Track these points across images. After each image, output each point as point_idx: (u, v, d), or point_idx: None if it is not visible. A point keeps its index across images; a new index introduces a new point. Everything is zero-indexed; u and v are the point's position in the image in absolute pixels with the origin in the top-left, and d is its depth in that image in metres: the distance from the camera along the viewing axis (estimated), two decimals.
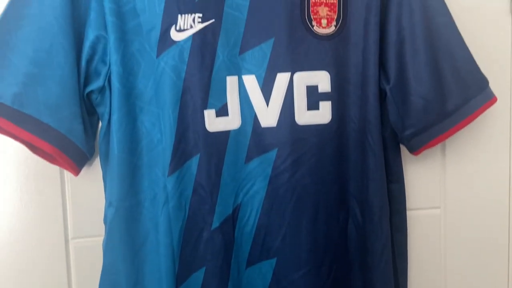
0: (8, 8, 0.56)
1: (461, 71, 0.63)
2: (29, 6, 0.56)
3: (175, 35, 0.58)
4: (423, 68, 0.62)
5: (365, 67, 0.63)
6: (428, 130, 0.64)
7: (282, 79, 0.61)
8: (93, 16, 0.57)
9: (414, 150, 0.66)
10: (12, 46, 0.55)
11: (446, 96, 0.63)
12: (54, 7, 0.55)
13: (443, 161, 0.75)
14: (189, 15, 0.58)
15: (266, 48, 0.60)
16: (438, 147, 0.71)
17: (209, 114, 0.59)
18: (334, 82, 0.62)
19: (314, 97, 0.62)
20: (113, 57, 0.57)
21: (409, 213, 0.70)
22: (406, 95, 0.63)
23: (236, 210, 0.62)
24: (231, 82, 0.60)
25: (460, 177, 0.75)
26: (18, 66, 0.54)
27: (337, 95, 0.62)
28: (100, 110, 0.60)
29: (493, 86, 0.65)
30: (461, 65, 0.63)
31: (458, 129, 0.63)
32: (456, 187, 0.75)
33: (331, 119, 0.62)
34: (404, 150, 0.68)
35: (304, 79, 0.61)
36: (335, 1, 0.62)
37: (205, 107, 0.59)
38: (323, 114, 0.62)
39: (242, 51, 0.61)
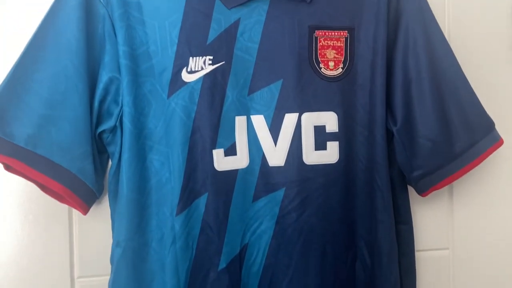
0: (25, 51, 0.58)
1: (467, 113, 0.64)
2: (45, 50, 0.57)
3: (186, 77, 0.60)
4: (430, 110, 0.63)
5: (372, 108, 0.64)
6: (435, 172, 0.64)
7: (290, 119, 0.62)
8: (107, 58, 0.59)
9: (422, 191, 0.66)
10: (28, 88, 0.56)
11: (453, 138, 0.63)
12: (70, 51, 0.57)
13: (451, 201, 0.74)
14: (200, 57, 0.60)
15: (274, 89, 0.62)
16: (445, 187, 0.70)
17: (217, 154, 0.60)
18: (341, 122, 0.63)
19: (321, 137, 0.62)
20: (126, 99, 0.59)
21: (417, 254, 0.70)
22: (413, 137, 0.63)
23: (243, 250, 0.62)
24: (240, 122, 0.61)
25: (468, 218, 0.75)
26: (33, 108, 0.56)
27: (345, 135, 0.63)
28: (110, 149, 0.61)
29: (499, 127, 0.66)
30: (467, 108, 0.64)
31: (465, 172, 0.64)
32: (464, 228, 0.75)
33: (339, 159, 0.63)
34: (411, 190, 0.68)
35: (312, 119, 0.62)
36: (342, 44, 0.64)
37: (214, 146, 0.60)
38: (331, 154, 0.62)
39: (251, 91, 0.62)
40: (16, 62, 0.57)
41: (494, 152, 0.65)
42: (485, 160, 0.65)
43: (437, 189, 0.65)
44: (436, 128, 0.63)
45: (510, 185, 0.75)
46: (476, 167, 0.64)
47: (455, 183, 0.71)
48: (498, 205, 0.75)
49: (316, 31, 0.63)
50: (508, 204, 0.75)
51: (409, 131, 0.64)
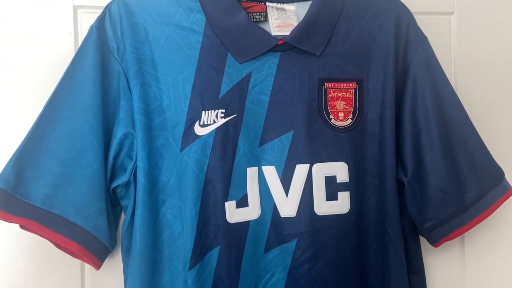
0: (44, 111, 0.59)
1: (477, 163, 0.65)
2: (62, 109, 0.59)
3: (198, 130, 0.61)
4: (440, 161, 0.64)
5: (382, 158, 0.65)
6: (447, 223, 0.64)
7: (301, 170, 0.62)
8: (122, 114, 0.60)
9: (434, 242, 0.66)
10: (45, 148, 0.57)
11: (464, 189, 0.64)
12: (86, 109, 0.58)
13: (462, 250, 0.74)
14: (213, 111, 0.61)
15: (285, 140, 0.62)
16: None
17: (230, 206, 0.60)
18: (352, 172, 0.63)
19: (332, 188, 0.63)
20: (140, 154, 0.59)
21: None
22: (424, 188, 0.64)
23: None
24: (251, 173, 0.62)
25: (480, 267, 0.74)
26: (50, 167, 0.57)
27: (356, 185, 0.63)
28: (124, 202, 0.62)
29: (509, 175, 0.66)
30: (476, 158, 0.65)
31: (477, 223, 0.64)
32: (477, 277, 0.74)
33: (350, 209, 0.63)
34: (422, 239, 0.68)
35: (322, 170, 0.62)
36: (351, 96, 0.65)
37: (226, 198, 0.60)
38: (342, 204, 0.63)
39: (262, 143, 0.62)
40: (35, 121, 0.58)
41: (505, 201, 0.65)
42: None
43: (450, 239, 0.65)
44: (447, 178, 0.64)
45: None
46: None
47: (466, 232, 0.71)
48: (510, 253, 0.74)
49: (325, 83, 0.64)
50: None
51: (420, 182, 0.64)
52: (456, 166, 0.64)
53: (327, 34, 0.64)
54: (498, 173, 0.66)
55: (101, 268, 0.61)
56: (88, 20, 0.64)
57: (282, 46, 0.62)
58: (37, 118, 0.58)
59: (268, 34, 0.62)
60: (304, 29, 0.62)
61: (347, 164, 0.63)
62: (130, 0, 0.61)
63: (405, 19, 0.67)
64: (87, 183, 0.57)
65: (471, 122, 0.66)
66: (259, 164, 0.62)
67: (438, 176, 0.63)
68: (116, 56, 0.60)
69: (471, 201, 0.64)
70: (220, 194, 0.60)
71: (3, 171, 0.56)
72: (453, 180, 0.64)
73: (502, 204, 0.65)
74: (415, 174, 0.64)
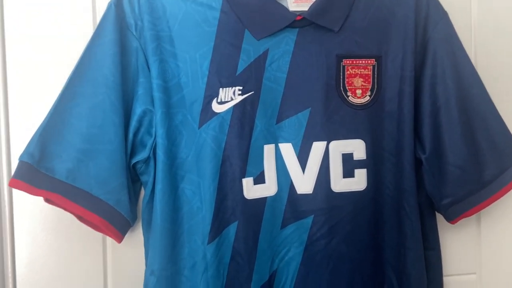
0: (65, 87, 0.60)
1: (496, 141, 0.64)
2: (83, 85, 0.59)
3: (216, 107, 0.61)
4: (459, 138, 0.63)
5: (400, 136, 0.64)
6: (465, 199, 0.64)
7: (318, 147, 0.62)
8: (141, 91, 0.61)
9: (452, 219, 0.66)
10: (67, 123, 0.58)
11: (482, 166, 0.64)
12: (107, 85, 0.59)
13: (478, 226, 0.74)
14: (230, 88, 0.61)
15: (302, 117, 0.62)
16: None
17: (247, 182, 0.61)
18: (369, 150, 0.63)
19: (349, 165, 0.63)
20: (159, 131, 0.60)
21: (444, 279, 0.70)
22: (442, 165, 0.64)
23: (272, 277, 0.63)
24: (268, 150, 0.62)
25: (496, 242, 0.75)
26: (72, 142, 0.58)
27: (373, 163, 0.63)
28: (144, 178, 0.63)
29: None
30: (495, 135, 0.64)
31: (495, 199, 0.64)
32: (492, 253, 0.75)
33: (367, 186, 0.63)
34: (438, 215, 0.68)
35: (339, 147, 0.63)
36: (369, 72, 0.64)
37: (244, 175, 0.61)
38: (359, 181, 0.63)
39: (279, 120, 0.63)
40: (57, 97, 0.59)
41: None
42: None
43: (467, 216, 0.65)
44: (465, 155, 0.63)
45: None
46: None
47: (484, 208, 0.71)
48: None
49: (343, 60, 0.63)
50: None
51: (438, 159, 0.64)
52: (475, 143, 0.64)
53: (346, 10, 0.63)
54: None
55: (122, 242, 0.62)
56: None
57: (300, 22, 0.61)
58: (59, 94, 0.59)
59: (286, 9, 0.61)
60: (323, 4, 0.61)
61: (365, 142, 0.63)
62: None
63: None
64: (109, 158, 0.58)
65: (491, 100, 0.65)
66: (276, 142, 0.62)
67: (457, 153, 0.63)
68: (134, 33, 0.60)
69: (489, 178, 0.64)
70: (237, 170, 0.61)
71: (28, 145, 0.57)
72: (472, 157, 0.63)
73: None
74: (434, 151, 0.64)
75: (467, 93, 0.64)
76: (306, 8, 0.62)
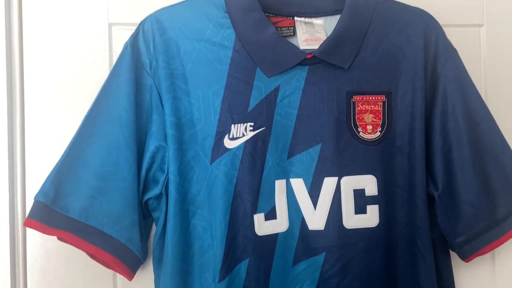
0: (82, 126, 0.61)
1: (509, 178, 0.64)
2: (99, 125, 0.61)
3: (228, 143, 0.62)
4: (471, 175, 0.63)
5: (412, 172, 0.64)
6: (478, 237, 0.63)
7: (329, 183, 0.62)
8: (154, 128, 0.62)
9: (466, 257, 0.65)
10: (82, 162, 0.59)
11: (495, 203, 0.63)
12: (121, 123, 0.60)
13: (493, 263, 0.73)
14: (242, 124, 0.62)
15: (313, 153, 0.63)
16: None
17: (258, 218, 0.61)
18: (381, 185, 0.63)
19: (361, 201, 0.62)
20: (172, 167, 0.61)
21: None
22: (455, 202, 0.63)
23: None
24: (280, 185, 0.62)
25: (511, 280, 0.72)
26: (86, 180, 0.59)
27: (385, 199, 0.63)
28: (155, 214, 0.63)
29: None
30: (508, 172, 0.64)
31: (509, 237, 0.63)
32: None
33: (379, 222, 0.62)
34: (451, 254, 0.67)
35: (351, 183, 0.62)
36: (379, 108, 0.65)
37: (255, 211, 0.61)
38: (371, 217, 0.62)
39: (290, 155, 0.63)
40: (73, 137, 0.60)
41: None
42: None
43: (481, 255, 0.64)
44: (478, 192, 0.63)
45: None
46: None
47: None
48: None
49: (354, 96, 0.64)
50: None
51: (451, 196, 0.63)
52: (487, 179, 0.63)
53: (355, 48, 0.64)
54: None
55: (133, 279, 0.62)
56: (122, 36, 0.66)
57: (310, 59, 0.63)
58: (75, 133, 0.60)
59: (296, 48, 0.63)
60: (333, 43, 0.63)
61: (376, 177, 0.63)
62: (163, 16, 0.63)
63: (434, 32, 0.66)
64: (122, 195, 0.59)
65: (503, 135, 0.65)
66: (287, 177, 0.63)
67: (470, 190, 0.63)
68: (149, 71, 0.62)
69: (502, 215, 0.63)
70: (249, 206, 0.60)
71: (43, 185, 0.59)
72: (485, 194, 0.63)
73: None
74: (446, 188, 0.63)
75: (478, 129, 0.64)
76: (316, 47, 0.63)
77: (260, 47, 0.63)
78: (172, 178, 0.60)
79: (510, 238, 0.63)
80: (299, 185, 0.63)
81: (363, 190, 0.63)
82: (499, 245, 0.63)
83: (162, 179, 0.61)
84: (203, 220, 0.61)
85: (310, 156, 0.63)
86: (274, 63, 0.63)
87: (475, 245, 0.64)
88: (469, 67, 0.67)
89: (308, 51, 0.63)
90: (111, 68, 0.63)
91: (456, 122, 0.64)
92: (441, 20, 0.68)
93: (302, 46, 0.65)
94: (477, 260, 0.67)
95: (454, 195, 0.63)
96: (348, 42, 0.64)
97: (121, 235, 0.58)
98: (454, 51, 0.67)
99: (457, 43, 0.68)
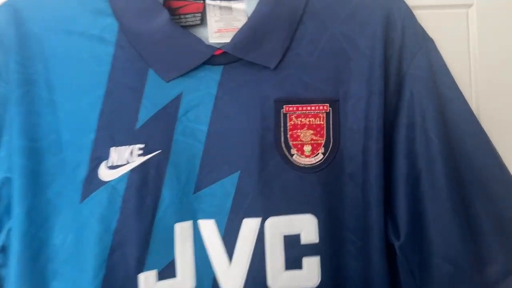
0: None
1: (505, 220, 0.45)
2: None
3: (105, 174, 0.45)
4: (449, 217, 0.45)
5: (367, 208, 0.46)
6: None
7: (249, 226, 0.45)
8: (3, 153, 0.45)
9: None
10: None
11: (485, 258, 0.44)
12: None
13: None
14: (127, 147, 0.45)
15: (229, 184, 0.46)
16: None
17: (146, 278, 0.43)
18: (323, 229, 0.46)
19: (295, 252, 0.45)
20: (17, 210, 0.43)
21: None
22: (425, 257, 0.45)
23: None
24: (182, 231, 0.45)
25: None
26: None
27: (329, 248, 0.46)
28: (2, 272, 0.45)
29: None
30: (504, 211, 0.45)
31: None
32: None
33: (320, 281, 0.45)
34: None
35: (280, 226, 0.45)
36: (322, 122, 0.47)
37: (141, 268, 0.43)
38: (309, 274, 0.45)
39: (198, 188, 0.46)
40: None
41: None
42: None
43: None
44: (459, 242, 0.44)
45: None
46: None
47: None
48: None
49: (285, 106, 0.47)
50: None
51: (419, 248, 0.45)
52: (473, 224, 0.45)
53: (284, 40, 0.47)
54: None
55: None
56: None
57: (223, 57, 0.46)
58: None
59: (200, 42, 0.46)
60: (251, 34, 0.46)
61: (317, 218, 0.46)
62: (20, 3, 0.47)
63: (400, 17, 0.49)
64: None
65: (497, 154, 0.47)
66: (193, 218, 0.46)
67: (447, 240, 0.44)
68: (1, 76, 0.46)
69: (495, 277, 0.44)
70: (132, 263, 0.43)
71: None
72: (469, 246, 0.44)
73: None
74: (412, 236, 0.45)
75: (459, 150, 0.46)
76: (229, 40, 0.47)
77: (152, 41, 0.46)
78: (17, 225, 0.43)
79: None
80: (209, 229, 0.46)
81: (297, 236, 0.46)
82: None
83: (7, 225, 0.44)
84: (67, 282, 0.44)
85: (225, 188, 0.46)
86: (172, 63, 0.46)
87: None
88: (455, 57, 0.51)
89: (219, 46, 0.47)
90: None
91: (427, 140, 0.46)
92: (421, 1, 0.52)
93: (213, 38, 0.49)
94: None
95: (424, 247, 0.45)
96: (273, 32, 0.46)
97: None
98: (427, 42, 0.50)
99: (441, 29, 0.52)
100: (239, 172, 0.46)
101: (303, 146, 0.47)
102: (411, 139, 0.46)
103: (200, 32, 0.49)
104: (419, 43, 0.49)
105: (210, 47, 0.46)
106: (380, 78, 0.47)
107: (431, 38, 0.50)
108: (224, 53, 0.46)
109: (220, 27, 0.48)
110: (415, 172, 0.46)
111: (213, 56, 0.46)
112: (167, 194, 0.45)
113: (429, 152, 0.45)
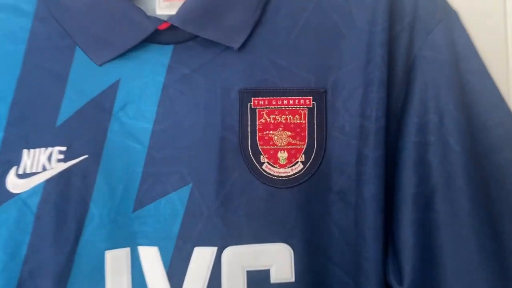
0: None
1: None
2: None
3: (13, 184, 0.35)
4: (473, 254, 0.32)
5: (360, 237, 0.35)
6: None
7: (202, 257, 0.35)
8: None
9: None
10: None
11: None
12: None
13: None
14: (43, 149, 0.35)
15: (177, 201, 0.35)
16: None
17: None
18: (300, 264, 0.35)
19: None
20: None
21: None
22: None
23: None
24: (115, 260, 0.35)
25: None
26: None
27: None
28: None
29: None
30: None
31: None
32: None
33: None
34: None
35: (243, 259, 0.35)
36: (303, 121, 0.36)
37: None
38: None
39: (138, 206, 0.35)
40: None
41: None
42: None
43: None
44: None
45: None
46: None
47: None
48: None
49: (253, 98, 0.36)
50: None
51: None
52: (507, 265, 0.32)
53: (254, 11, 0.36)
54: None
55: None
56: None
57: (173, 34, 0.35)
58: None
59: (141, 12, 0.35)
60: (207, 2, 0.35)
61: (292, 249, 0.35)
62: None
63: None
64: None
65: None
66: (131, 244, 0.35)
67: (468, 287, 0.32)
68: None
69: None
70: None
71: None
72: None
73: None
74: (420, 281, 0.33)
75: (489, 163, 0.34)
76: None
77: (79, 12, 0.36)
78: None
79: None
80: (151, 259, 0.35)
81: (266, 273, 0.35)
82: None
83: None
84: None
85: (172, 206, 0.35)
86: (105, 41, 0.35)
87: None
88: (487, 38, 0.40)
89: (165, 18, 0.36)
90: None
91: (445, 148, 0.34)
92: None
93: (161, 9, 0.37)
94: None
95: None
96: (237, 0, 0.36)
97: None
98: (449, 14, 0.37)
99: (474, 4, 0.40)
100: (190, 185, 0.35)
101: (276, 153, 0.36)
102: (423, 145, 0.34)
103: (145, 2, 0.38)
104: (437, 15, 0.36)
105: (155, 19, 0.35)
106: (382, 63, 0.35)
107: (455, 11, 0.38)
108: (174, 28, 0.35)
109: None
110: (427, 191, 0.34)
111: (159, 32, 0.35)
112: (96, 212, 0.35)
113: (447, 165, 0.33)
